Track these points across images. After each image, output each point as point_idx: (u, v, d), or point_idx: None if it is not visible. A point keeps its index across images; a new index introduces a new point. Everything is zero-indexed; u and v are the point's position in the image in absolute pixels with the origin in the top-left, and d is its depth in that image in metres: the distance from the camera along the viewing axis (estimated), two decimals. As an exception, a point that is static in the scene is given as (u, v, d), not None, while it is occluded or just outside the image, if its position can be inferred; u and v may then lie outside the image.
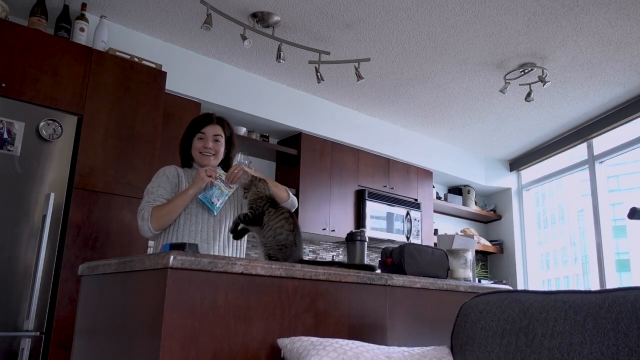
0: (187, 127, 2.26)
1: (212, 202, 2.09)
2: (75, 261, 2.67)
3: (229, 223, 2.16)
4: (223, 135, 2.24)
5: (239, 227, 1.92)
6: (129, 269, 1.37)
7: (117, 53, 3.17)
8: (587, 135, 5.05)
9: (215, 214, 2.12)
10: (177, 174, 2.19)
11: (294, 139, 4.50)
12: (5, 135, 2.57)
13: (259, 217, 1.84)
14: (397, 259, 1.99)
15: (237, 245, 2.21)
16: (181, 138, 2.27)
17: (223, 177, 2.11)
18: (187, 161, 2.26)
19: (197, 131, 2.20)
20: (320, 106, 4.64)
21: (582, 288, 1.24)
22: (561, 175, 5.58)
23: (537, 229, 5.98)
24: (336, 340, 1.27)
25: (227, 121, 2.30)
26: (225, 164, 2.31)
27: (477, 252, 5.89)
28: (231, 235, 2.06)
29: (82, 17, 3.13)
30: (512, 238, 5.98)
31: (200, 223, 2.11)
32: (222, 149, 2.24)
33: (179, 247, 1.46)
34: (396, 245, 2.12)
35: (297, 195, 4.29)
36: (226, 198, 2.13)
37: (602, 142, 5.00)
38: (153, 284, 1.25)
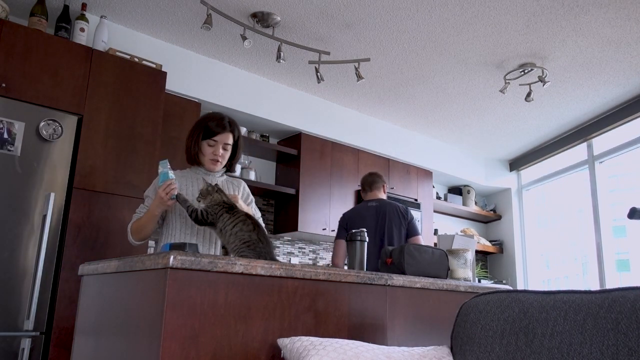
0: (197, 126, 2.21)
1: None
2: (75, 261, 2.67)
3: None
4: (232, 143, 2.23)
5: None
6: (129, 269, 1.37)
7: (117, 53, 3.17)
8: (587, 135, 5.05)
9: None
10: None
11: (294, 139, 4.50)
12: (5, 135, 2.57)
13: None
14: (397, 259, 1.99)
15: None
16: (188, 135, 2.22)
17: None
18: (193, 160, 2.23)
19: (208, 137, 2.17)
20: (320, 106, 4.64)
21: (582, 288, 1.24)
22: (561, 175, 5.58)
23: (537, 229, 5.97)
24: (336, 340, 1.27)
25: (237, 125, 2.28)
26: (229, 167, 2.31)
27: (477, 252, 5.90)
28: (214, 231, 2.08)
29: (82, 17, 3.13)
30: (512, 238, 5.97)
31: (195, 225, 2.11)
32: (228, 155, 2.25)
33: (179, 247, 1.46)
34: (396, 245, 2.12)
35: (297, 195, 4.30)
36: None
37: (602, 142, 5.00)
38: (153, 284, 1.25)
